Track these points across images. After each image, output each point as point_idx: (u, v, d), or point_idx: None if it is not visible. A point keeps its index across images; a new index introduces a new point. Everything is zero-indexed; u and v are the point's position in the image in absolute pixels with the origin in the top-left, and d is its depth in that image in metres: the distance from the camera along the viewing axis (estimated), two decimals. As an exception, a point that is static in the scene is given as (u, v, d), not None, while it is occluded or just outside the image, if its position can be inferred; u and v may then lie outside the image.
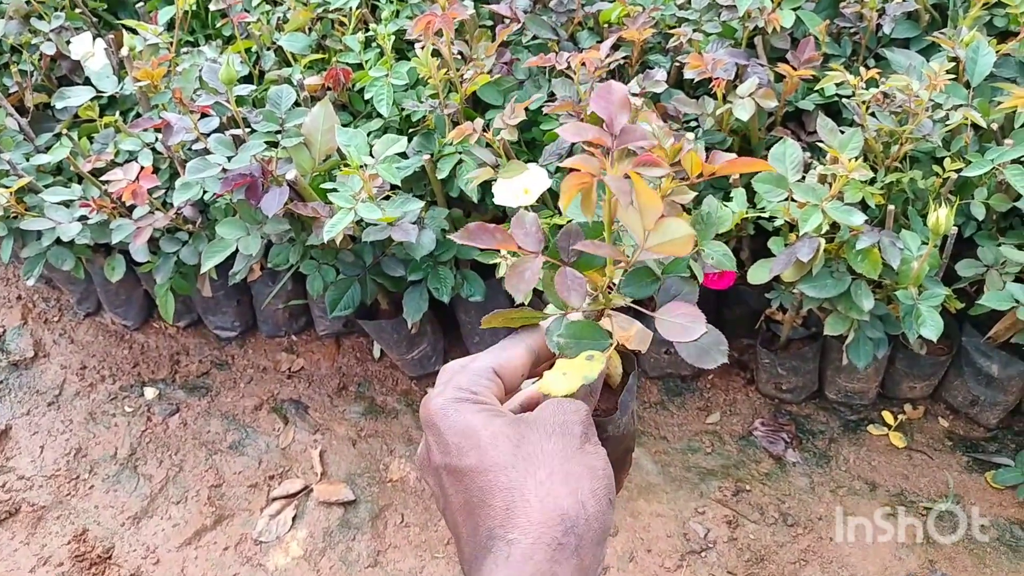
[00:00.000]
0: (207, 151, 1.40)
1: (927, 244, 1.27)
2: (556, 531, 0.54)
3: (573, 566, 0.56)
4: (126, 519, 1.53)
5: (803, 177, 1.27)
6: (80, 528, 1.52)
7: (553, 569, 0.55)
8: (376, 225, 1.39)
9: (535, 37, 1.56)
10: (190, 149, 1.49)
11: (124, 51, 1.60)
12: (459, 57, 1.48)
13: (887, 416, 1.54)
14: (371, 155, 1.34)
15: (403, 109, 1.50)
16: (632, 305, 0.54)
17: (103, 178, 1.48)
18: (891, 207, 1.31)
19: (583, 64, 1.32)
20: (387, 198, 1.37)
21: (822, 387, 1.58)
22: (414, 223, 1.39)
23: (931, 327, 1.27)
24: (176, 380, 1.76)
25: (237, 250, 1.43)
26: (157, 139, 1.54)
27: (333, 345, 1.74)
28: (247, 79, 1.61)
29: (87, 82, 1.64)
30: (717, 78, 1.35)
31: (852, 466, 1.50)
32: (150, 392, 1.74)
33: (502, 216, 1.57)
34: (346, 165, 1.36)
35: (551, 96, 1.45)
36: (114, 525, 1.52)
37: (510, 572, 0.54)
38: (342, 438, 1.59)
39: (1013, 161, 1.31)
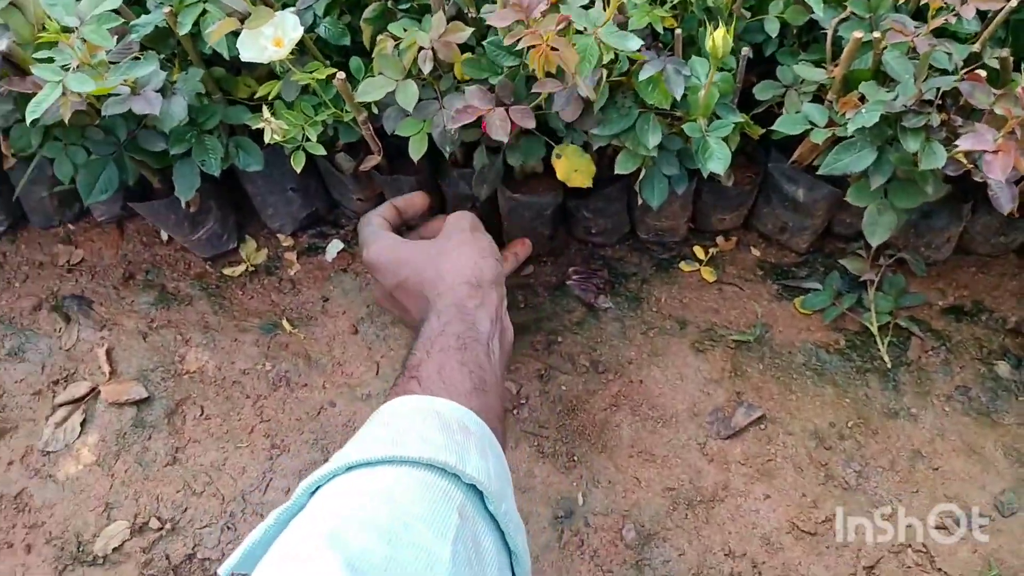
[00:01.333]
0: None
1: (711, 68, 1.18)
2: (464, 282, 1.11)
3: (479, 296, 1.11)
4: None
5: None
6: None
7: (465, 302, 1.09)
8: (118, 95, 1.21)
9: None
10: None
11: None
12: None
13: (699, 251, 1.50)
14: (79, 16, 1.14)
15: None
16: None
17: None
18: (678, 31, 1.21)
19: None
20: (116, 63, 1.19)
21: (634, 228, 1.52)
22: (158, 91, 1.22)
23: (718, 160, 1.20)
24: (-59, 286, 1.58)
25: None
26: None
27: (116, 231, 1.58)
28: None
29: None
30: None
31: (663, 305, 1.47)
32: (-89, 303, 1.56)
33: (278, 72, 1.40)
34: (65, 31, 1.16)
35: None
36: None
37: (443, 306, 1.07)
38: (131, 332, 1.46)
39: (804, -31, 1.22)
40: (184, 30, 1.24)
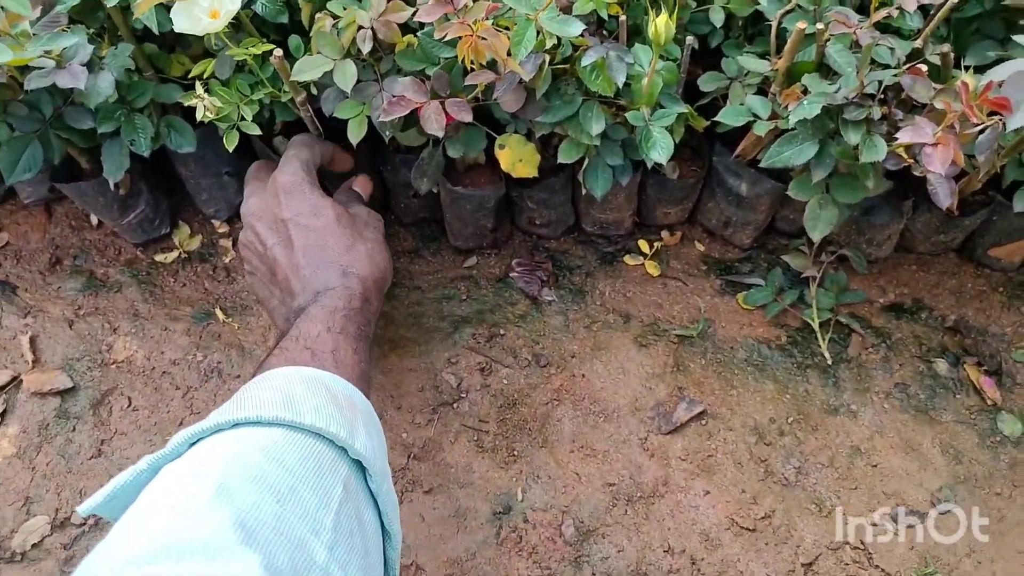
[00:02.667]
0: None
1: (653, 56, 1.16)
2: (375, 281, 1.15)
3: (380, 298, 1.18)
4: None
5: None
6: None
7: (371, 297, 1.13)
8: (42, 69, 1.16)
9: None
10: None
11: None
12: None
13: (643, 245, 1.48)
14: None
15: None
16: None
17: None
18: (623, 18, 1.19)
19: None
20: (64, 32, 1.14)
21: (578, 220, 1.50)
22: (85, 64, 1.17)
23: (661, 149, 1.19)
24: None
25: None
26: None
27: (43, 214, 1.52)
28: None
29: None
30: None
31: (607, 299, 1.45)
32: None
33: (213, 51, 1.35)
34: (-21, -4, 1.11)
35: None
36: None
37: (352, 291, 1.10)
38: (57, 319, 1.40)
39: (750, -41, 1.21)
40: (112, 2, 1.19)
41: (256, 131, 1.26)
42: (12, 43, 1.08)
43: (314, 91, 1.25)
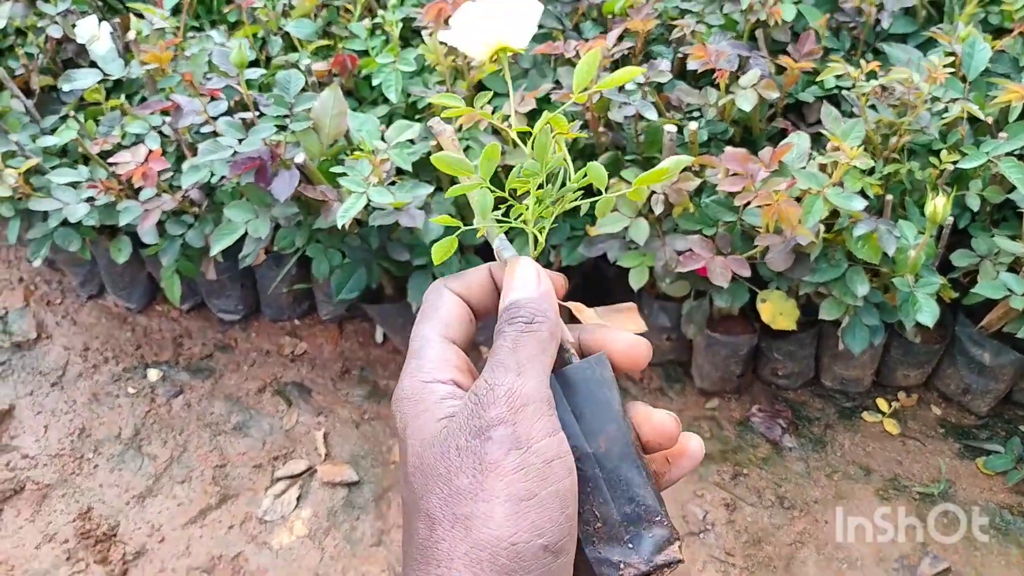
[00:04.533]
0: (215, 134, 1.41)
1: (923, 233, 1.30)
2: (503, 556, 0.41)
3: None
4: (131, 498, 1.54)
5: (805, 166, 1.30)
6: (85, 506, 1.53)
7: None
8: (383, 210, 1.41)
9: (540, 26, 1.58)
10: (198, 132, 1.50)
11: (130, 35, 1.61)
12: (466, 45, 1.50)
13: (881, 403, 1.57)
14: (382, 140, 1.36)
15: (410, 95, 1.52)
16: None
17: (109, 160, 1.49)
18: (888, 197, 1.34)
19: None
20: (393, 183, 1.39)
21: (818, 375, 1.61)
22: (421, 208, 1.41)
23: (927, 313, 1.30)
24: (179, 362, 1.77)
25: (246, 233, 1.45)
26: (164, 122, 1.54)
27: (336, 329, 1.76)
28: (254, 64, 1.63)
29: (92, 65, 1.65)
30: (720, 69, 1.38)
31: (847, 451, 1.53)
32: (153, 374, 1.75)
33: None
34: (355, 150, 1.38)
35: (557, 84, 1.48)
36: (119, 503, 1.54)
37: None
38: (345, 421, 1.61)
39: (1007, 154, 1.35)
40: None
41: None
42: (384, 190, 1.33)
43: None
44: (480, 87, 1.54)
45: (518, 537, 0.38)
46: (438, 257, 0.49)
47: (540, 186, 0.48)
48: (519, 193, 0.48)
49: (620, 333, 0.49)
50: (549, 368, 0.44)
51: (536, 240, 0.49)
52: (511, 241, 0.52)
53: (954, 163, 1.36)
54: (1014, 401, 1.57)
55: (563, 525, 0.40)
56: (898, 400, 1.59)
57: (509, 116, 0.50)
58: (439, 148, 0.48)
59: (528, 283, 0.47)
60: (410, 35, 1.63)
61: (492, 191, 0.46)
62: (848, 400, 1.60)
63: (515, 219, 0.49)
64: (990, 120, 1.41)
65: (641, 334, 0.50)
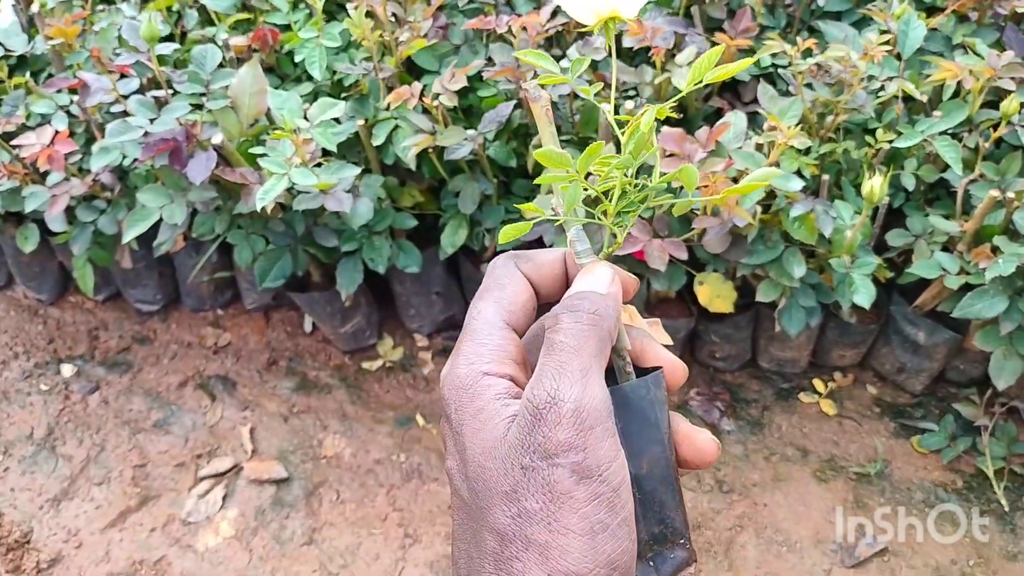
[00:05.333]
0: (127, 114, 1.33)
1: (860, 214, 1.29)
2: None
3: None
4: (44, 502, 1.45)
5: (741, 146, 1.28)
6: (-7, 513, 1.44)
7: None
8: (308, 193, 1.34)
9: (471, 1, 1.52)
10: (108, 112, 1.41)
11: (34, 7, 1.50)
12: (394, 20, 1.44)
13: (818, 384, 1.57)
14: (305, 119, 1.29)
15: (335, 72, 1.45)
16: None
17: (13, 143, 1.39)
18: (825, 176, 1.33)
19: (524, 28, 1.30)
20: (319, 165, 1.32)
21: (755, 356, 1.60)
22: (348, 191, 1.34)
23: (864, 294, 1.29)
24: (95, 356, 1.68)
25: (161, 219, 1.37)
26: (72, 101, 1.45)
27: (262, 319, 1.69)
28: (168, 39, 1.54)
29: (-7, 40, 1.54)
30: (656, 47, 1.34)
31: (784, 433, 1.53)
32: (67, 369, 1.65)
33: (438, 185, 1.53)
34: (277, 129, 1.31)
35: (489, 61, 1.42)
36: (32, 508, 1.45)
37: None
38: (273, 414, 1.54)
39: (942, 133, 1.34)
40: (378, 141, 1.38)
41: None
42: (308, 172, 1.26)
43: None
44: (409, 64, 1.48)
45: (595, 573, 0.38)
46: (505, 238, 0.46)
47: (627, 183, 0.45)
48: (601, 187, 0.45)
49: (664, 351, 0.47)
50: (604, 369, 0.42)
51: (614, 237, 0.46)
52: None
53: (889, 142, 1.35)
54: (948, 379, 1.58)
55: (631, 551, 0.39)
56: (834, 380, 1.59)
57: (598, 93, 0.45)
58: (529, 115, 0.45)
59: (601, 280, 0.44)
60: (335, 9, 1.56)
61: (585, 187, 0.43)
62: (785, 381, 1.59)
63: (597, 214, 0.46)
64: (925, 99, 1.40)
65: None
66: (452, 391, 0.43)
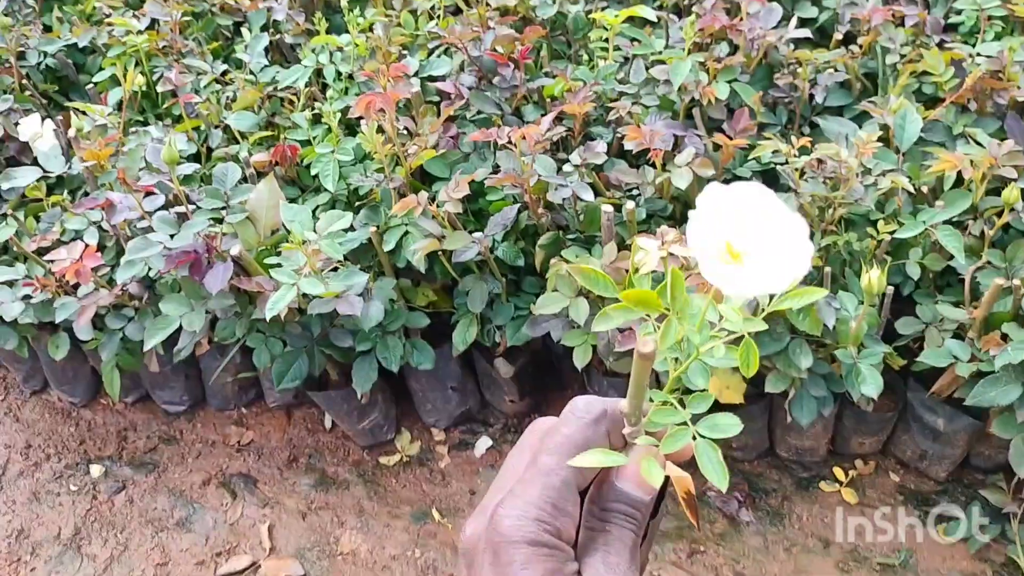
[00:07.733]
0: (151, 229, 1.40)
1: (865, 304, 1.30)
2: None
3: None
4: (69, 605, 1.49)
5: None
6: (21, 616, 1.47)
7: None
8: (322, 298, 1.39)
9: (480, 112, 1.59)
10: (135, 227, 1.49)
11: (71, 132, 1.60)
12: (405, 132, 1.50)
13: (838, 472, 1.55)
14: (315, 230, 1.35)
15: (350, 183, 1.52)
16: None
17: (46, 257, 1.47)
18: (827, 269, 1.34)
19: (523, 138, 1.35)
20: (335, 269, 1.37)
21: (773, 445, 1.59)
22: (360, 295, 1.39)
23: (871, 385, 1.29)
24: (123, 457, 1.73)
25: (181, 326, 1.43)
26: (103, 217, 1.53)
27: (284, 417, 1.73)
28: (195, 157, 1.62)
29: (36, 162, 1.64)
30: (655, 149, 1.38)
31: (805, 524, 1.51)
32: (96, 470, 1.70)
33: (451, 284, 1.58)
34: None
35: (496, 168, 1.48)
36: (56, 611, 1.48)
37: None
38: (292, 511, 1.57)
39: (944, 222, 1.36)
40: (389, 247, 1.43)
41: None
42: (318, 280, 1.31)
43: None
44: (422, 171, 1.54)
45: None
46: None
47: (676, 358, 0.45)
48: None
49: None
50: None
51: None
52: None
53: (891, 233, 1.36)
54: (972, 465, 1.55)
55: None
56: (855, 468, 1.57)
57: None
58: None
59: (654, 484, 0.44)
60: (354, 123, 1.64)
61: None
62: (804, 470, 1.58)
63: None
64: (925, 189, 1.42)
65: None
66: (495, 546, 0.41)
